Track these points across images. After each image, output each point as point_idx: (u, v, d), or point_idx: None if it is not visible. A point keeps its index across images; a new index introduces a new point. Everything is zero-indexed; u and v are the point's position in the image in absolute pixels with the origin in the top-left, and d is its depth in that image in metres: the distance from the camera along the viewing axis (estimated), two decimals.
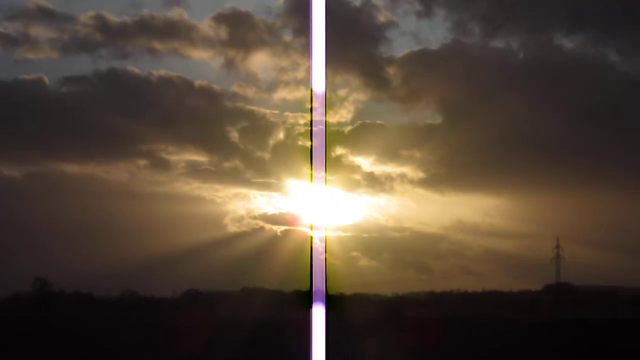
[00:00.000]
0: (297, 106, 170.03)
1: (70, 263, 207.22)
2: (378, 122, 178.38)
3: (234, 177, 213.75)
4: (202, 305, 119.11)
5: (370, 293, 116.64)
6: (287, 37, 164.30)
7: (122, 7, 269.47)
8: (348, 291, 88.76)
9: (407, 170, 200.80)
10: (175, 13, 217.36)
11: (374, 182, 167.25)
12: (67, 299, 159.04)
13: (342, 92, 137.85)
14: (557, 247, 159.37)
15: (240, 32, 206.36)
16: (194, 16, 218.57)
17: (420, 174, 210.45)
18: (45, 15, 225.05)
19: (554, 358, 48.70)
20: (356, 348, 44.30)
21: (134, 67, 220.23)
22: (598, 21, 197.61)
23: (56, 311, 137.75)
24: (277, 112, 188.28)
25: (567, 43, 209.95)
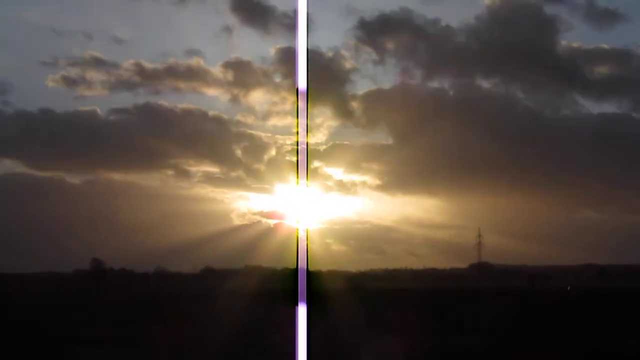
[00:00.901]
0: (285, 131, 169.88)
1: (117, 247, 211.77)
2: (345, 142, 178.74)
3: (238, 183, 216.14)
4: (216, 279, 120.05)
5: (340, 270, 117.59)
6: (277, 79, 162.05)
7: (155, 56, 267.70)
8: (324, 269, 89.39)
9: (367, 178, 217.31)
10: (194, 61, 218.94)
11: (343, 187, 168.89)
12: (115, 275, 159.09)
13: (318, 120, 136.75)
14: (479, 236, 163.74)
15: (243, 75, 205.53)
16: (208, 64, 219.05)
17: (377, 181, 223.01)
18: (98, 62, 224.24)
19: (477, 315, 48.38)
20: (331, 310, 41.89)
21: (163, 101, 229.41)
22: (507, 68, 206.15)
23: (108, 284, 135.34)
24: (270, 135, 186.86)
25: (485, 84, 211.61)
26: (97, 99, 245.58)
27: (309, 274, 3.77)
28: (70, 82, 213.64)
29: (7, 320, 52.67)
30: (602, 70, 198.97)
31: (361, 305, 55.05)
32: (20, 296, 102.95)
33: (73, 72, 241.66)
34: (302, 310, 3.55)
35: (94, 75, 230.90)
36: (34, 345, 30.81)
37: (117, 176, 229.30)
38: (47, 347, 30.33)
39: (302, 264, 3.82)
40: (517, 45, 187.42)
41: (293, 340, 3.88)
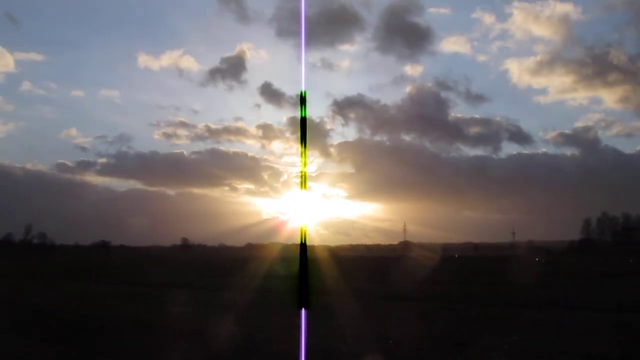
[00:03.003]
0: (292, 164, 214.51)
1: (197, 230, 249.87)
2: (327, 171, 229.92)
3: (265, 195, 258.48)
4: (254, 249, 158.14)
5: (324, 244, 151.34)
6: (287, 134, 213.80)
7: (216, 121, 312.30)
8: (315, 244, 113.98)
9: (340, 191, 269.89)
10: (239, 124, 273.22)
11: (326, 197, 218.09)
12: (196, 247, 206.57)
13: (311, 158, 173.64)
14: (404, 225, 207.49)
15: (267, 132, 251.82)
16: (247, 125, 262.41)
17: (345, 193, 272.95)
18: (183, 125, 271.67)
19: (404, 271, 53.52)
20: (318, 267, 53.23)
21: (222, 147, 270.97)
22: (419, 128, 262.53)
23: (193, 253, 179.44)
24: (283, 167, 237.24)
25: (407, 138, 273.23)
26: (183, 146, 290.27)
27: (305, 247, 4.46)
28: (167, 135, 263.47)
29: (143, 272, 63.24)
30: (474, 129, 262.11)
31: (336, 264, 67.43)
32: (147, 257, 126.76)
33: (169, 130, 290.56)
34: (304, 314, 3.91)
35: (181, 132, 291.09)
36: (157, 289, 41.59)
37: (196, 190, 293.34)
38: (164, 290, 39.79)
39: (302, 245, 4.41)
40: (425, 114, 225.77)
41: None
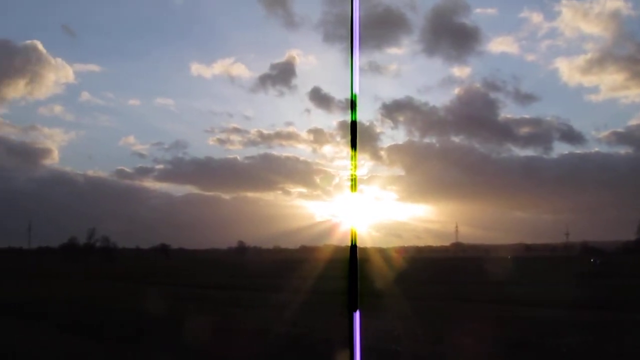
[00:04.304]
0: (343, 167, 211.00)
1: (252, 233, 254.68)
2: (377, 174, 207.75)
3: (317, 198, 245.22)
4: (307, 252, 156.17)
5: (376, 246, 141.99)
6: (338, 138, 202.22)
7: (268, 126, 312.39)
8: (367, 246, 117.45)
9: (391, 194, 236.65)
10: (290, 129, 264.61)
11: (377, 199, 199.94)
12: (251, 250, 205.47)
13: (362, 162, 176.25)
14: (456, 226, 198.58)
15: (318, 136, 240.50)
16: (298, 130, 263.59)
17: (396, 196, 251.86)
18: (236, 130, 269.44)
19: (455, 270, 57.36)
20: (371, 267, 50.29)
21: (274, 152, 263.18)
22: (468, 129, 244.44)
23: (249, 256, 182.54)
24: (334, 170, 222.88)
25: (456, 139, 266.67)
26: (237, 151, 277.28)
27: (355, 248, 4.12)
28: (221, 141, 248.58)
29: (201, 274, 65.31)
30: (524, 130, 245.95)
31: (388, 265, 68.85)
32: (205, 259, 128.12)
33: (223, 136, 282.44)
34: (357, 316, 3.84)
35: (234, 137, 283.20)
36: (216, 290, 42.43)
37: (250, 194, 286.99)
38: (222, 291, 40.99)
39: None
40: (474, 115, 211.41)
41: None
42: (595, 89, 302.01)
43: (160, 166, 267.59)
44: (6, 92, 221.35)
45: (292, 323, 20.24)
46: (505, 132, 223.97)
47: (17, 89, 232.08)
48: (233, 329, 19.13)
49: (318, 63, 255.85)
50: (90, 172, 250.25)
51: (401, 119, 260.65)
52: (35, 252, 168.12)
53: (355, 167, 4.57)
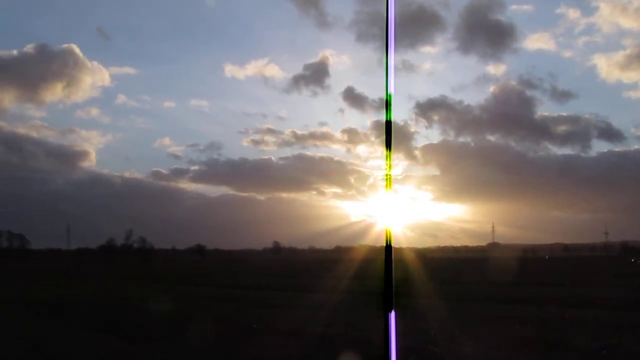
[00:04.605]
0: (377, 167, 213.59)
1: (286, 233, 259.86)
2: (412, 174, 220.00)
3: (352, 198, 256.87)
4: (344, 252, 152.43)
5: (410, 246, 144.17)
6: (372, 138, 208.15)
7: (301, 127, 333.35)
8: (402, 246, 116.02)
9: (425, 193, 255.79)
10: (324, 129, 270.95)
11: (412, 199, 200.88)
12: (286, 250, 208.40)
13: (396, 162, 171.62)
14: (493, 226, 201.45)
15: (352, 136, 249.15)
16: (332, 130, 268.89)
17: (431, 195, 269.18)
18: (270, 131, 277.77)
19: (492, 269, 53.41)
20: (407, 268, 50.10)
21: (308, 152, 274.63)
22: (504, 128, 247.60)
23: (284, 256, 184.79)
24: (369, 170, 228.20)
25: (491, 138, 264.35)
26: (271, 152, 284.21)
27: (389, 248, 4.03)
28: (255, 142, 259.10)
29: (237, 274, 65.02)
30: (562, 128, 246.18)
31: (423, 265, 67.37)
32: (240, 260, 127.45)
33: (257, 137, 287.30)
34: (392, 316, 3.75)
35: (268, 138, 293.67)
36: (251, 290, 42.56)
37: (285, 195, 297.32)
38: (258, 291, 41.16)
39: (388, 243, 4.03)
40: (510, 114, 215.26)
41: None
42: (634, 85, 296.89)
43: (196, 167, 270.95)
44: (44, 95, 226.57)
45: (328, 323, 20.31)
46: (542, 130, 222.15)
47: (55, 93, 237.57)
48: (269, 330, 19.31)
49: (351, 63, 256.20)
50: (127, 174, 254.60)
51: (435, 118, 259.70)
52: (74, 253, 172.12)
53: (390, 166, 4.55)
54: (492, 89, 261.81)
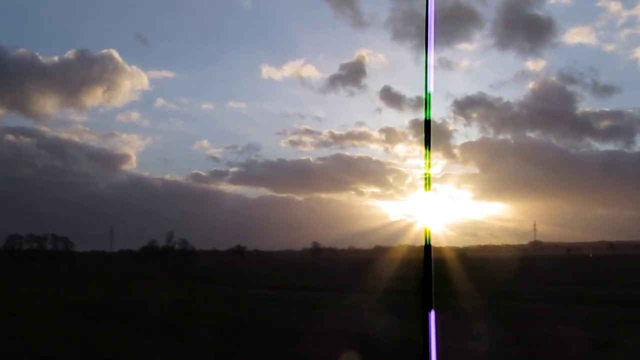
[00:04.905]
0: (416, 166, 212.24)
1: (326, 234, 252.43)
2: (451, 173, 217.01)
3: (390, 197, 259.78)
4: (384, 252, 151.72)
5: (451, 245, 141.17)
6: (410, 137, 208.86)
7: (339, 127, 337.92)
8: (442, 245, 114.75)
9: (465, 192, 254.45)
10: (362, 128, 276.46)
11: (451, 198, 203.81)
12: (326, 250, 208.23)
13: (435, 160, 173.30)
14: (534, 225, 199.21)
15: (390, 136, 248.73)
16: (370, 130, 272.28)
17: (471, 194, 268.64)
18: (308, 132, 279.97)
19: (534, 269, 54.47)
20: (448, 267, 49.87)
21: (346, 152, 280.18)
22: (544, 124, 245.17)
23: (324, 256, 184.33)
24: (407, 169, 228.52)
25: (532, 135, 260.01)
26: (309, 152, 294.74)
27: (429, 248, 4.02)
28: (293, 143, 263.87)
29: (278, 275, 65.73)
30: (604, 123, 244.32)
31: (463, 264, 67.12)
32: (280, 261, 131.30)
33: (295, 137, 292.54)
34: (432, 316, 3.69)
35: (306, 139, 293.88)
36: (292, 291, 42.67)
37: (323, 195, 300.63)
38: (299, 292, 41.20)
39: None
40: (550, 110, 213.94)
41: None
42: None
43: (234, 169, 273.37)
44: (85, 100, 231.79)
45: (369, 323, 20.41)
46: (584, 126, 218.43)
47: (96, 98, 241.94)
48: (311, 330, 19.47)
49: (388, 61, 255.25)
50: (167, 177, 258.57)
51: (474, 115, 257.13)
52: (117, 255, 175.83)
53: (429, 165, 4.47)
54: (531, 85, 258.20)
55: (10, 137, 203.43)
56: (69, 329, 21.41)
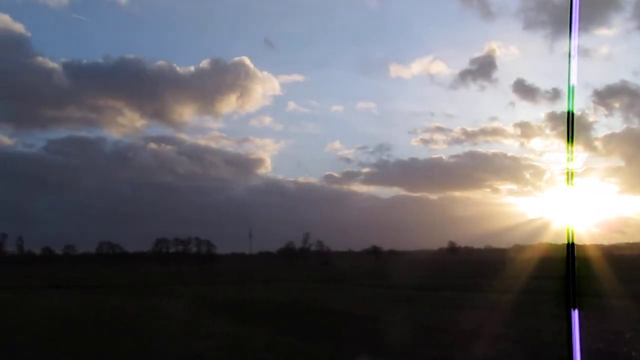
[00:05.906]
0: (555, 161, 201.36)
1: (462, 233, 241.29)
2: (593, 166, 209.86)
3: (528, 194, 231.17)
4: (522, 251, 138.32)
5: (596, 243, 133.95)
6: (547, 131, 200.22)
7: (471, 123, 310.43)
8: (587, 243, 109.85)
9: (611, 186, 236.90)
10: (495, 124, 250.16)
11: (594, 193, 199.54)
12: (462, 250, 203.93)
13: (575, 154, 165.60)
14: None
15: (525, 130, 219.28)
16: (504, 125, 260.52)
17: (617, 188, 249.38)
18: (439, 129, 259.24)
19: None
20: (594, 265, 44.15)
21: (480, 149, 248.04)
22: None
23: (461, 256, 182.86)
24: (545, 165, 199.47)
25: None
26: (441, 150, 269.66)
27: (572, 246, 3.83)
28: (424, 141, 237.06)
29: (415, 275, 62.33)
30: None
31: (610, 262, 61.95)
32: (416, 260, 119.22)
33: (426, 136, 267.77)
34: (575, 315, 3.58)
35: (438, 137, 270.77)
36: (431, 292, 42.49)
37: (457, 194, 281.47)
38: (438, 293, 41.12)
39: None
40: None
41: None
42: None
43: (366, 169, 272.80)
44: (220, 107, 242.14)
45: (509, 324, 20.12)
46: None
47: (230, 104, 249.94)
48: (449, 331, 18.91)
49: (520, 53, 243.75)
50: (300, 179, 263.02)
51: (616, 105, 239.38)
52: (257, 256, 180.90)
53: (572, 159, 4.38)
54: None
55: (153, 146, 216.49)
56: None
